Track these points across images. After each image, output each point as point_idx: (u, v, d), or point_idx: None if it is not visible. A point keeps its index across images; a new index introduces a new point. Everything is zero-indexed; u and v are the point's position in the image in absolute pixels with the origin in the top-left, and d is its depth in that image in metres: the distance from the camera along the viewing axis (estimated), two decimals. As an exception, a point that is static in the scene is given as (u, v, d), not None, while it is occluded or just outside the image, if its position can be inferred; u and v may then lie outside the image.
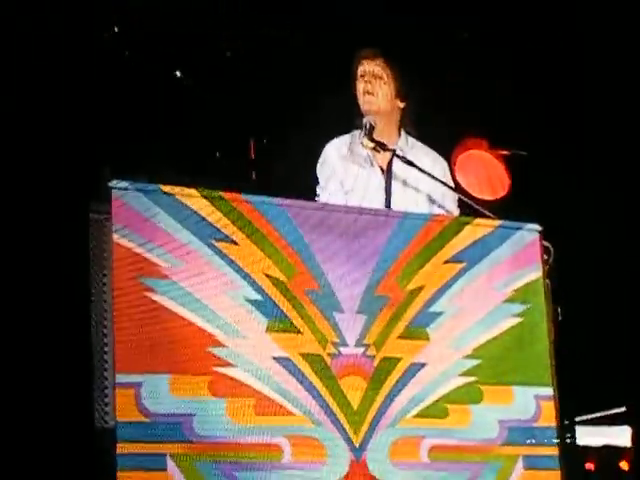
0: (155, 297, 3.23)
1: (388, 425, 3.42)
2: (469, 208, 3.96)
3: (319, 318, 3.42)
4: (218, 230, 3.35)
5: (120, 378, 3.14)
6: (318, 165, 4.09)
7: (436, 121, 4.83)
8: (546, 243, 3.78)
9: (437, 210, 4.02)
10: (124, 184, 3.26)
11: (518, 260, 3.72)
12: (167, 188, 3.32)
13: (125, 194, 3.25)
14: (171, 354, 3.21)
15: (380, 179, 4.04)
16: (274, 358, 3.33)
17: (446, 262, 3.63)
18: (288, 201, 3.46)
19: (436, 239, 3.63)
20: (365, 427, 3.39)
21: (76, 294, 3.57)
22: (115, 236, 3.22)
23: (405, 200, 4.01)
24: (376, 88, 4.00)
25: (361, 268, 3.50)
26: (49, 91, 4.75)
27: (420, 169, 3.93)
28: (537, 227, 3.79)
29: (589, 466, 6.09)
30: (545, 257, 3.76)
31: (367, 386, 3.42)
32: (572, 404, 4.20)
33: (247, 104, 5.34)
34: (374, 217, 3.59)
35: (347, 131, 4.11)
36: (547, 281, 3.75)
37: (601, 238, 5.78)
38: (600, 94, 5.75)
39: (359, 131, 4.01)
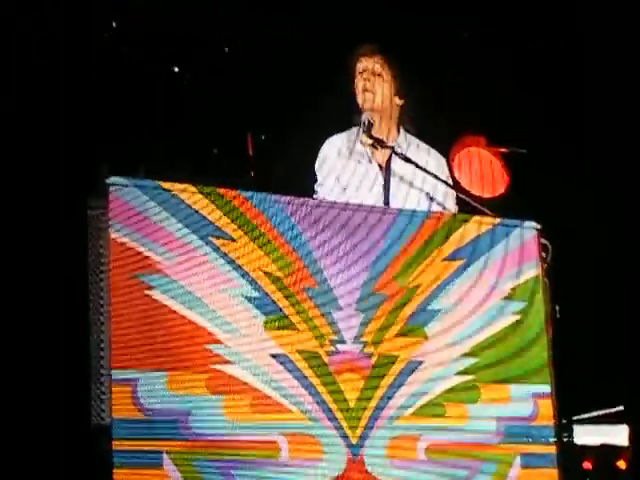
0: (152, 294, 3.22)
1: (385, 423, 3.42)
2: (467, 205, 3.96)
3: (317, 315, 3.41)
4: (216, 227, 3.34)
5: (116, 374, 3.13)
6: (316, 162, 4.10)
7: (435, 119, 4.83)
8: (544, 241, 3.77)
9: (435, 207, 4.02)
10: (121, 180, 3.25)
11: (516, 258, 3.72)
12: (165, 185, 3.31)
13: (122, 190, 3.25)
14: (168, 351, 3.21)
15: (378, 176, 4.04)
16: (272, 355, 3.33)
17: (444, 259, 3.63)
18: (286, 198, 3.46)
19: (434, 236, 3.63)
20: (362, 425, 3.39)
21: (73, 290, 3.57)
22: (112, 233, 3.21)
23: (403, 197, 4.01)
24: (375, 86, 4.00)
25: (359, 265, 3.50)
26: (49, 90, 4.77)
27: (418, 166, 3.93)
28: (535, 225, 3.78)
29: (587, 465, 6.09)
30: (543, 255, 3.76)
31: (364, 384, 3.42)
32: (570, 403, 4.20)
33: (247, 103, 5.35)
34: (372, 214, 3.58)
35: (344, 129, 4.10)
36: (545, 279, 3.75)
37: (600, 236, 5.78)
38: (598, 93, 5.75)
39: (357, 128, 4.01)
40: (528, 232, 3.76)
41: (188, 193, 3.33)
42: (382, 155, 4.06)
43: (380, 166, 4.05)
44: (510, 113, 5.70)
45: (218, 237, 3.34)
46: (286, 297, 3.38)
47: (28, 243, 4.40)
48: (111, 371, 3.14)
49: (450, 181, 4.18)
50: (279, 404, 3.30)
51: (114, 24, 5.17)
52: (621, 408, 6.31)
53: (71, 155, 4.68)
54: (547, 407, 3.66)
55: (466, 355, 3.58)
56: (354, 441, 3.37)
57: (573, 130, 5.80)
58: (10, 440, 4.13)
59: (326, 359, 3.39)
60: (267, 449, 3.26)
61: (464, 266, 3.64)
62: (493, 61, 5.68)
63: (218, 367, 3.25)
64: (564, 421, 4.20)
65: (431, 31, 5.52)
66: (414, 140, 4.12)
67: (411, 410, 3.46)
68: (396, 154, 3.98)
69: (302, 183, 4.10)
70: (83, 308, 3.25)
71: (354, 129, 4.05)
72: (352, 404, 3.39)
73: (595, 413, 6.29)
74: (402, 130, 4.10)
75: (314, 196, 4.02)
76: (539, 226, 3.78)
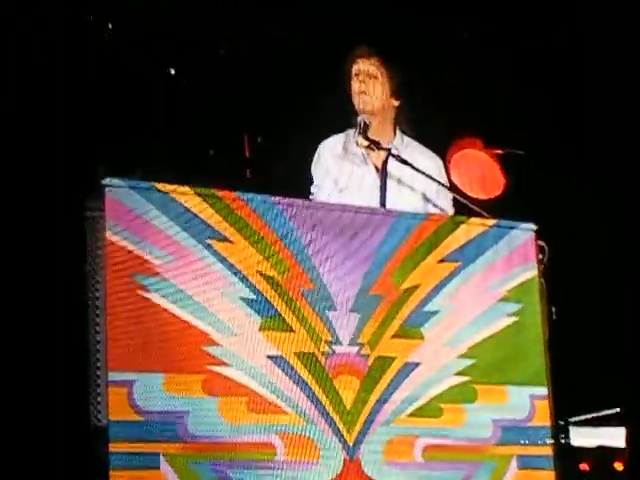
0: (149, 295, 3.22)
1: (382, 424, 3.42)
2: (464, 207, 3.95)
3: (313, 317, 3.41)
4: (212, 228, 3.34)
5: (113, 376, 3.13)
6: (312, 164, 4.10)
7: (432, 121, 4.82)
8: (541, 242, 3.78)
9: (432, 209, 4.02)
10: (118, 182, 3.24)
11: (513, 259, 3.73)
12: (161, 186, 3.31)
13: (118, 192, 3.24)
14: (165, 352, 3.20)
15: (375, 178, 4.04)
16: (268, 357, 3.33)
17: (441, 261, 3.63)
18: (282, 199, 3.45)
19: (431, 238, 3.63)
20: (359, 426, 3.39)
21: (71, 292, 3.56)
22: (108, 234, 3.20)
23: (400, 199, 4.00)
24: (370, 88, 3.99)
25: (356, 267, 3.50)
26: (48, 90, 4.76)
27: (415, 168, 3.93)
28: (532, 226, 3.79)
29: (584, 467, 6.09)
30: (540, 256, 3.76)
31: (361, 385, 3.42)
32: (567, 404, 4.20)
33: (246, 104, 5.34)
34: (369, 216, 3.59)
35: (343, 130, 4.10)
36: (542, 280, 3.75)
37: (596, 237, 5.79)
38: (596, 94, 5.75)
39: (353, 130, 4.01)
40: (524, 233, 3.77)
41: (184, 195, 3.32)
42: (378, 157, 4.05)
43: (376, 168, 4.05)
44: (507, 115, 5.71)
45: (214, 239, 3.33)
46: (282, 298, 3.38)
47: (25, 245, 4.40)
48: (107, 373, 3.12)
49: (447, 183, 4.18)
50: (275, 405, 3.30)
51: (112, 25, 5.15)
52: (618, 410, 6.31)
53: (69, 156, 4.68)
54: (544, 408, 3.67)
55: (463, 356, 3.59)
56: (350, 442, 3.37)
57: (569, 131, 5.81)
58: (8, 441, 4.12)
59: (322, 360, 3.39)
60: (263, 450, 3.26)
61: (461, 268, 3.65)
62: (490, 62, 5.68)
63: (214, 369, 3.25)
64: (561, 423, 4.19)
65: (430, 31, 5.51)
66: (411, 142, 4.12)
67: (408, 411, 3.47)
68: (392, 156, 3.98)
69: (301, 183, 4.09)
70: (81, 310, 3.24)
71: (350, 131, 4.05)
72: (348, 405, 3.39)
73: (592, 415, 6.29)
74: (398, 132, 4.10)
75: (310, 198, 4.02)
76: (536, 227, 3.79)
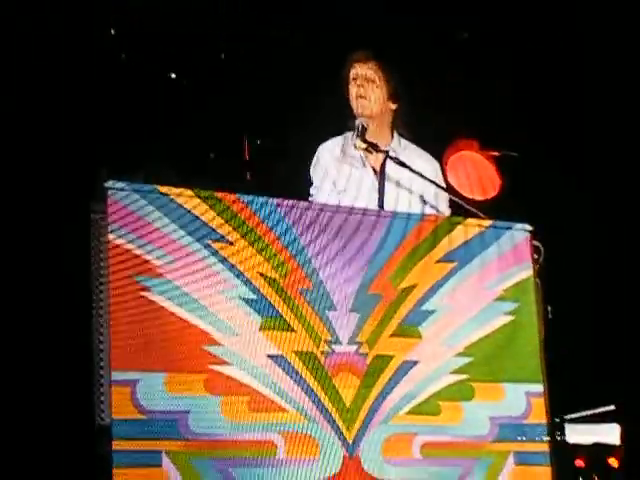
0: (151, 296, 3.22)
1: (381, 422, 3.43)
2: (460, 208, 3.96)
3: (312, 317, 3.42)
4: (213, 230, 3.34)
5: (116, 376, 3.13)
6: (312, 166, 4.10)
7: (430, 121, 4.81)
8: (536, 242, 3.78)
9: (429, 210, 4.03)
10: (120, 184, 3.25)
11: (509, 259, 3.74)
12: (163, 188, 3.31)
13: (121, 194, 3.24)
14: (167, 352, 3.21)
15: (373, 180, 4.05)
16: (268, 356, 3.33)
17: (438, 261, 3.63)
18: (282, 201, 3.46)
19: (428, 239, 3.64)
20: (358, 424, 3.40)
21: (76, 293, 3.56)
22: (111, 236, 3.21)
23: (398, 200, 4.01)
24: (368, 92, 4.00)
25: (354, 267, 3.51)
26: (49, 92, 4.73)
27: (412, 170, 3.94)
28: (527, 227, 3.80)
29: (579, 463, 6.09)
30: (535, 256, 3.77)
31: (360, 383, 3.43)
32: (562, 402, 4.20)
33: (246, 104, 5.30)
34: (367, 217, 3.59)
35: (342, 132, 4.10)
36: (537, 280, 3.76)
37: (591, 237, 5.78)
38: (591, 97, 5.74)
39: (352, 133, 4.01)
40: (520, 234, 3.78)
41: (186, 197, 3.32)
42: (376, 159, 4.06)
43: (374, 170, 4.06)
44: (503, 116, 5.69)
45: (215, 240, 3.34)
46: (282, 299, 3.39)
47: (29, 247, 4.39)
48: (111, 372, 3.13)
49: (443, 184, 4.19)
50: (276, 404, 3.30)
51: (113, 29, 5.12)
52: (613, 408, 6.31)
53: (71, 158, 4.66)
54: (540, 406, 3.67)
55: (460, 355, 3.59)
56: (350, 440, 3.38)
57: (564, 133, 5.80)
58: (13, 440, 4.12)
59: (322, 359, 3.39)
60: (264, 448, 3.26)
61: (458, 268, 3.65)
62: (488, 62, 5.64)
63: (216, 368, 3.25)
64: (557, 420, 4.20)
65: (430, 31, 5.47)
66: (408, 144, 4.13)
67: (406, 409, 3.48)
68: (390, 158, 3.99)
69: (301, 184, 4.09)
70: (85, 310, 3.24)
71: (349, 133, 4.05)
72: (348, 404, 3.40)
73: (587, 412, 6.30)
74: (396, 134, 4.11)
75: (309, 199, 4.02)
76: (531, 228, 3.79)
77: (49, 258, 4.34)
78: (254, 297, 3.35)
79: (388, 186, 4.02)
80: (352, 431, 3.39)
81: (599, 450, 6.14)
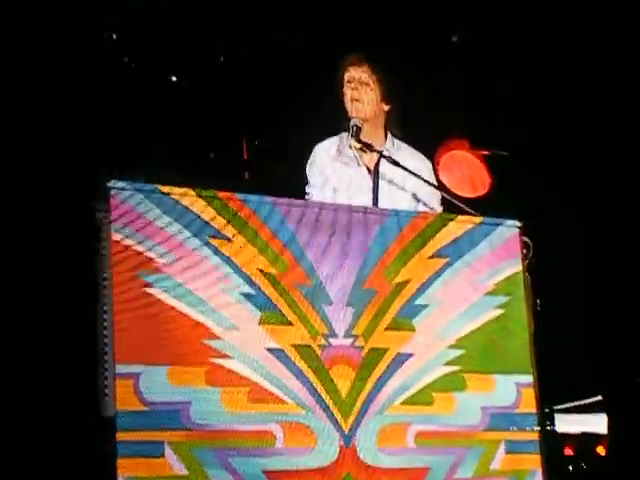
0: (153, 292, 3.23)
1: (376, 412, 3.44)
2: (452, 206, 3.96)
3: (310, 311, 3.42)
4: (213, 228, 3.35)
5: (120, 369, 3.14)
6: (307, 166, 4.10)
7: (422, 121, 4.80)
8: (525, 238, 3.79)
9: (421, 208, 4.03)
10: (122, 184, 3.25)
11: (499, 255, 3.74)
12: (164, 188, 3.31)
13: (123, 194, 3.25)
14: (169, 346, 3.21)
15: (367, 179, 4.05)
16: (267, 349, 3.34)
17: (430, 257, 3.64)
18: (280, 200, 3.46)
19: (421, 235, 3.64)
20: (354, 414, 3.40)
21: (79, 290, 3.56)
22: (114, 234, 3.21)
23: (391, 199, 4.02)
24: (362, 95, 4.00)
25: (350, 263, 3.51)
26: (49, 92, 4.70)
27: (406, 169, 3.94)
28: (517, 223, 3.80)
29: (568, 451, 6.12)
30: (524, 251, 3.77)
31: (356, 375, 3.43)
32: (552, 393, 4.21)
33: (246, 104, 5.26)
34: (362, 215, 3.59)
35: (338, 132, 4.10)
36: (526, 274, 3.76)
37: (578, 233, 5.79)
38: (582, 98, 5.74)
39: (346, 133, 4.02)
40: (510, 230, 3.78)
41: (186, 196, 3.33)
42: (371, 159, 4.07)
43: (369, 169, 4.06)
44: (493, 116, 5.69)
45: (215, 238, 3.34)
46: (280, 294, 3.39)
47: (32, 246, 4.39)
48: (115, 366, 3.14)
49: (435, 182, 4.20)
50: (275, 395, 3.31)
51: (113, 31, 5.08)
52: (600, 398, 6.33)
53: (74, 159, 4.64)
54: (529, 396, 3.68)
55: (452, 347, 3.60)
56: (346, 430, 3.38)
57: (551, 133, 5.81)
58: (19, 433, 4.13)
59: (319, 352, 3.40)
60: (263, 438, 3.27)
61: (449, 263, 3.65)
62: (483, 63, 5.61)
63: (216, 361, 3.26)
64: (546, 410, 4.21)
65: (429, 31, 5.44)
66: (401, 144, 4.13)
67: (400, 400, 3.48)
68: (384, 157, 4.00)
69: (300, 183, 4.08)
70: (90, 306, 3.25)
71: (344, 134, 4.05)
72: (344, 395, 3.41)
73: (576, 403, 6.31)
74: (389, 135, 4.11)
75: (306, 198, 4.02)
76: (520, 224, 3.79)
77: (54, 256, 4.33)
78: (253, 292, 3.35)
79: (382, 185, 4.03)
80: (348, 421, 3.39)
81: (587, 439, 6.16)
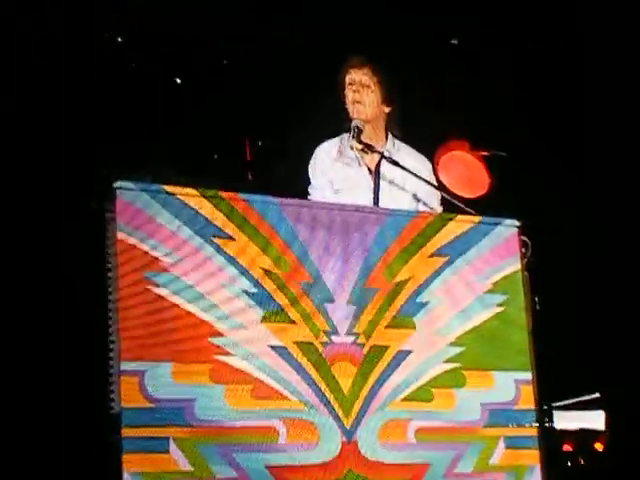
0: (158, 290, 3.24)
1: (377, 408, 3.45)
2: (452, 205, 3.97)
3: (312, 309, 3.44)
4: (217, 227, 3.36)
5: (125, 366, 3.15)
6: (309, 166, 4.11)
7: (423, 122, 4.80)
8: (524, 237, 3.79)
9: (422, 207, 4.05)
10: (128, 184, 3.27)
11: (498, 253, 3.75)
12: (169, 188, 3.33)
13: (129, 194, 3.26)
14: (173, 343, 3.23)
15: (368, 179, 4.06)
16: (270, 347, 3.35)
17: (431, 256, 3.65)
18: (282, 199, 3.48)
19: (421, 234, 3.65)
20: (356, 410, 3.42)
21: (86, 290, 3.57)
22: (120, 233, 3.23)
23: (392, 199, 4.03)
24: (364, 97, 4.01)
25: (351, 262, 3.52)
26: (48, 93, 4.67)
27: (406, 169, 3.96)
28: (515, 222, 3.81)
29: (567, 447, 6.12)
30: (523, 250, 3.78)
31: (357, 372, 3.44)
32: (550, 390, 4.21)
33: (247, 104, 5.23)
34: (363, 214, 3.61)
35: (340, 132, 4.11)
36: (525, 273, 3.77)
37: (575, 231, 5.80)
38: (578, 99, 5.74)
39: (348, 134, 4.03)
40: (508, 229, 3.79)
41: (190, 196, 3.34)
42: (372, 159, 4.08)
43: (370, 170, 4.07)
44: (493, 117, 5.69)
45: (219, 237, 3.35)
46: (283, 292, 3.40)
47: (43, 246, 4.39)
48: (120, 363, 3.15)
49: (435, 183, 4.21)
50: (277, 392, 3.32)
51: (114, 32, 5.05)
52: (598, 395, 6.34)
53: (79, 160, 4.63)
54: (528, 392, 3.69)
55: (452, 344, 3.61)
56: (348, 426, 3.40)
57: (550, 134, 5.81)
58: (26, 430, 4.14)
59: (321, 350, 3.41)
60: (267, 434, 3.29)
61: (449, 262, 3.67)
62: (482, 64, 5.59)
63: (220, 358, 3.27)
64: (545, 407, 4.22)
65: (429, 31, 5.42)
66: (401, 145, 4.14)
67: (401, 396, 3.49)
68: (385, 158, 4.01)
69: (302, 183, 4.08)
70: (96, 306, 3.25)
71: (345, 135, 4.06)
72: (346, 392, 3.42)
73: (574, 400, 6.32)
74: (390, 136, 4.12)
75: (308, 198, 4.04)
76: (519, 223, 3.81)
77: (62, 257, 4.33)
78: (256, 291, 3.37)
79: (383, 185, 4.04)
80: (350, 417, 3.41)
81: (585, 435, 6.17)
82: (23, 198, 4.51)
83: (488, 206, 4.33)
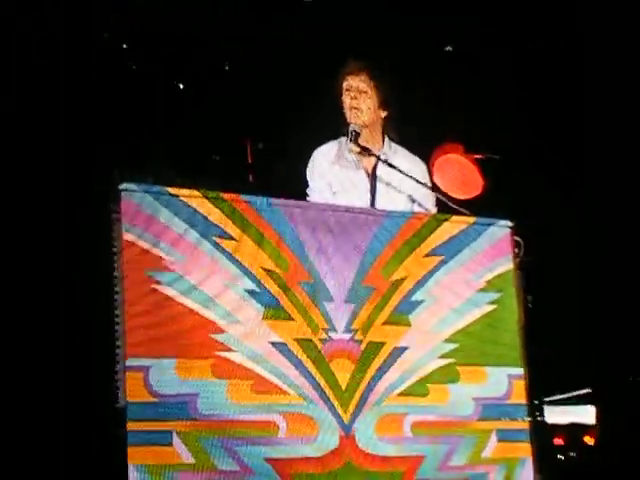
0: (161, 288, 3.27)
1: (374, 403, 3.48)
2: (446, 207, 3.97)
3: (311, 307, 3.47)
4: (218, 227, 3.39)
5: (130, 362, 3.19)
6: (307, 169, 4.12)
7: (417, 128, 4.81)
8: (516, 237, 3.81)
9: (417, 209, 4.05)
10: (132, 186, 3.29)
11: (491, 253, 3.77)
12: (172, 190, 3.35)
13: (133, 195, 3.28)
14: (177, 340, 3.26)
15: (365, 181, 4.07)
16: (271, 343, 3.38)
17: (426, 255, 3.68)
18: (282, 201, 3.50)
19: (417, 235, 3.68)
20: (353, 405, 3.45)
21: (92, 289, 3.58)
22: (125, 234, 3.25)
23: (388, 200, 4.04)
24: (361, 103, 4.00)
25: (349, 261, 3.55)
26: (48, 93, 4.63)
27: (402, 172, 3.98)
28: (508, 223, 3.83)
29: (558, 441, 6.16)
30: (516, 250, 3.80)
31: (355, 368, 3.47)
32: (542, 385, 4.24)
33: (246, 104, 5.19)
34: (361, 215, 3.63)
35: (338, 135, 4.12)
36: (518, 272, 3.79)
37: (566, 232, 5.81)
38: (571, 100, 5.75)
39: (345, 138, 4.04)
40: (502, 230, 3.81)
41: (193, 197, 3.37)
42: (369, 162, 4.09)
43: (367, 172, 4.08)
44: (486, 119, 5.69)
45: (221, 237, 3.38)
46: (283, 291, 3.43)
47: (49, 247, 4.38)
48: (125, 359, 3.19)
49: (430, 184, 4.23)
50: (278, 387, 3.35)
51: (114, 32, 5.01)
52: (589, 390, 6.37)
53: (82, 162, 4.62)
54: (520, 387, 3.72)
55: (446, 341, 3.64)
56: (346, 420, 3.43)
57: (541, 136, 5.82)
58: (33, 427, 4.15)
59: (320, 346, 3.44)
60: (267, 428, 3.32)
61: (444, 261, 3.69)
62: (478, 66, 5.58)
63: (222, 354, 3.30)
64: (536, 402, 4.25)
65: (429, 31, 5.38)
66: (398, 148, 4.15)
67: (397, 391, 3.52)
68: (381, 161, 4.03)
69: (301, 184, 4.08)
70: (103, 304, 3.28)
71: (343, 138, 4.07)
72: (344, 387, 3.45)
73: (565, 395, 6.36)
74: (387, 139, 4.13)
75: (307, 199, 4.05)
76: (511, 224, 3.83)
77: (67, 258, 4.32)
78: (257, 289, 3.40)
79: (379, 187, 4.05)
80: (348, 412, 3.44)
81: (576, 429, 6.20)
82: (27, 200, 4.51)
83: (482, 207, 4.34)
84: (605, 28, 5.46)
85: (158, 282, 3.27)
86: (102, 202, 3.28)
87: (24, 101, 4.60)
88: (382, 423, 3.48)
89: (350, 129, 4.00)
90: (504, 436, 3.67)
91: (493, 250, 3.78)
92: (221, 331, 3.32)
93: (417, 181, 4.02)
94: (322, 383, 3.42)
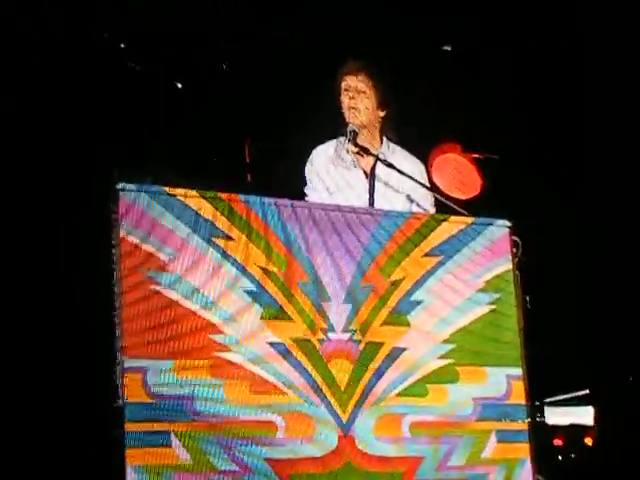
0: (159, 289, 3.26)
1: (373, 403, 3.47)
2: (445, 206, 3.97)
3: (309, 307, 3.46)
4: (217, 227, 3.38)
5: (129, 363, 3.17)
6: (306, 168, 4.12)
7: (415, 128, 4.80)
8: (515, 237, 3.81)
9: (416, 208, 4.05)
10: (131, 186, 3.28)
11: (490, 253, 3.76)
12: (170, 189, 3.34)
13: (132, 195, 3.28)
14: (175, 340, 3.25)
15: (364, 181, 4.07)
16: (269, 343, 3.37)
17: (425, 255, 3.67)
18: (280, 200, 3.49)
19: (415, 235, 3.68)
20: (352, 405, 3.44)
21: (91, 290, 3.57)
22: (122, 233, 3.25)
23: (387, 200, 4.04)
24: (359, 103, 4.01)
25: (348, 261, 3.54)
26: (48, 93, 4.63)
27: (400, 171, 3.97)
28: (507, 223, 3.83)
29: (557, 442, 6.16)
30: (514, 250, 3.80)
31: (353, 368, 3.47)
32: (541, 386, 4.23)
33: (246, 104, 5.19)
34: (359, 215, 3.63)
35: (336, 135, 4.11)
36: (516, 272, 3.78)
37: (565, 232, 5.81)
38: (568, 100, 5.75)
39: (344, 137, 4.04)
40: (500, 230, 3.81)
41: (191, 197, 3.36)
42: (367, 162, 4.09)
43: (365, 172, 4.08)
44: (484, 120, 5.69)
45: (219, 237, 3.37)
46: (281, 291, 3.42)
47: (48, 247, 4.38)
48: (124, 360, 3.17)
49: (428, 184, 4.22)
50: (276, 387, 3.34)
51: (113, 33, 5.00)
52: (587, 392, 6.37)
53: (81, 160, 4.62)
54: (519, 387, 3.71)
55: (445, 341, 3.63)
56: (344, 420, 3.42)
57: (539, 136, 5.82)
58: (32, 429, 4.15)
59: (318, 346, 3.43)
60: (265, 428, 3.31)
61: (443, 261, 3.69)
62: (477, 66, 5.57)
63: (220, 354, 3.30)
64: (536, 403, 4.24)
65: (429, 31, 5.38)
66: (396, 148, 4.15)
67: (396, 391, 3.52)
68: (380, 161, 4.02)
69: (301, 184, 4.08)
70: (102, 305, 3.27)
71: (341, 138, 4.07)
72: (342, 387, 3.44)
73: (564, 396, 6.35)
74: (385, 139, 4.13)
75: (305, 199, 4.04)
76: (510, 224, 3.83)
77: (66, 259, 4.32)
78: (255, 289, 3.39)
79: (378, 186, 4.05)
80: (346, 412, 3.43)
81: (575, 430, 6.20)
82: (27, 200, 4.51)
83: (480, 207, 4.34)
84: (605, 28, 5.46)
85: (156, 282, 3.26)
86: (102, 202, 3.28)
87: (24, 101, 4.61)
88: (381, 423, 3.47)
89: (348, 129, 4.00)
90: (504, 437, 3.66)
91: (492, 250, 3.78)
92: (219, 331, 3.31)
93: (415, 181, 4.01)
94: (320, 383, 3.42)
